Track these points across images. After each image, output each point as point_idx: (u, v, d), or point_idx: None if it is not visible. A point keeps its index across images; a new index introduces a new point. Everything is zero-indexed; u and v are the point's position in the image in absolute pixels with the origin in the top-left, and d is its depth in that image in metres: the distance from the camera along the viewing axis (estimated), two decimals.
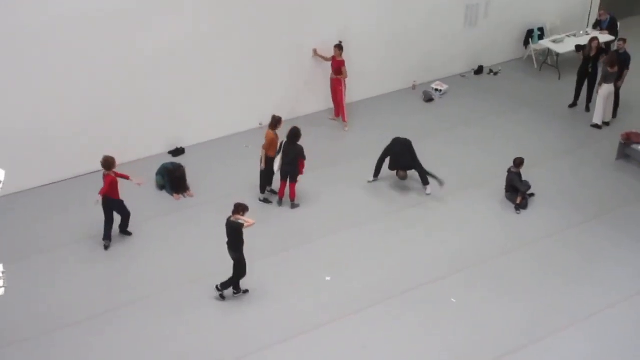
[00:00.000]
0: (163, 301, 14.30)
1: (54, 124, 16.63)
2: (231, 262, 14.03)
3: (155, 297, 14.37)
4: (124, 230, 15.69)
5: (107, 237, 15.40)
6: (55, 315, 13.92)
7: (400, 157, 17.10)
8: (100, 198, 14.88)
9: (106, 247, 15.37)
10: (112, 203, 15.14)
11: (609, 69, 19.12)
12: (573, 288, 14.77)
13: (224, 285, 14.18)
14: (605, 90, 19.38)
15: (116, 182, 14.95)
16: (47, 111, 16.46)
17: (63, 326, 13.69)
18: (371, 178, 17.52)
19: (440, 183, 16.99)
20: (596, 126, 19.72)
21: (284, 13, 18.45)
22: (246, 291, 14.39)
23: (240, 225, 13.63)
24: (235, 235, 13.75)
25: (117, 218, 15.50)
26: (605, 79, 19.31)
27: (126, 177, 15.20)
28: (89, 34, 16.26)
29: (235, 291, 14.32)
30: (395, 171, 17.27)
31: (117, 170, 14.97)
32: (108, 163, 14.78)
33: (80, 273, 14.94)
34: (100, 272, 15.01)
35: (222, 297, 14.26)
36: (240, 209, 13.68)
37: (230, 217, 13.71)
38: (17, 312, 13.90)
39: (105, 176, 14.85)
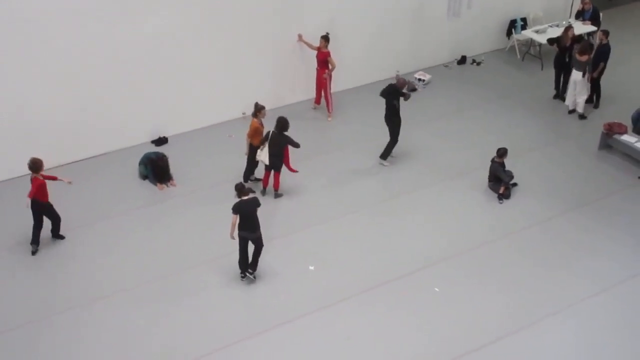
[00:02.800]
0: (145, 292, 14.25)
1: (36, 113, 16.55)
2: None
3: (139, 289, 14.32)
4: (56, 234, 15.32)
5: (35, 241, 15.01)
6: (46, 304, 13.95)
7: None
8: (29, 202, 14.46)
9: (33, 252, 15.00)
10: (41, 206, 14.73)
11: (577, 56, 19.10)
12: (555, 277, 14.82)
13: (254, 266, 14.33)
14: (572, 77, 19.40)
15: (44, 185, 14.57)
16: (28, 101, 16.37)
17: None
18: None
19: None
20: (572, 111, 19.87)
21: (268, 2, 18.37)
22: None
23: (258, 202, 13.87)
24: (255, 214, 13.83)
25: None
26: (575, 66, 19.30)
27: (54, 179, 14.82)
28: (73, 24, 16.19)
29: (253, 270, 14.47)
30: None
31: (44, 172, 14.66)
32: (36, 165, 14.35)
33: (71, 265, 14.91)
34: (80, 265, 14.95)
35: (254, 277, 14.44)
36: (244, 189, 13.81)
37: (243, 199, 13.72)
38: None
39: (32, 179, 14.41)
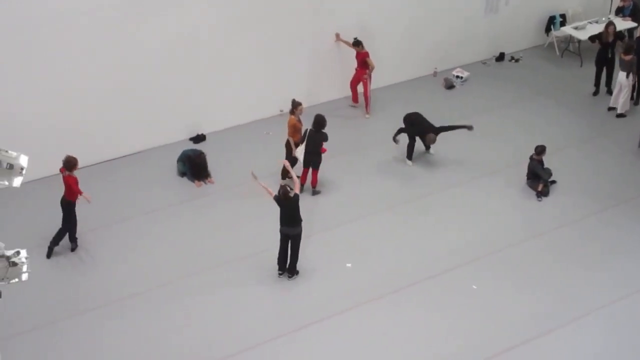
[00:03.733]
0: (180, 288, 14.37)
1: (74, 111, 16.66)
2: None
3: (173, 284, 14.44)
4: (57, 242, 15.00)
5: (73, 239, 15.11)
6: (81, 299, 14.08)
7: (421, 121, 17.41)
8: (89, 196, 14.55)
9: (73, 249, 15.12)
10: (72, 205, 14.68)
11: (622, 55, 18.87)
12: (591, 278, 14.74)
13: (292, 271, 14.42)
14: (619, 78, 19.15)
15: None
16: (71, 100, 16.50)
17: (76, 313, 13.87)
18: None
19: (469, 128, 17.45)
20: (611, 109, 19.65)
21: (307, 2, 18.40)
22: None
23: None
24: (298, 209, 13.91)
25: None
26: (620, 66, 19.07)
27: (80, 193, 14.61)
28: (109, 21, 16.28)
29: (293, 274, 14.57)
30: (423, 139, 17.45)
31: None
32: (71, 163, 14.27)
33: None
34: (115, 260, 15.08)
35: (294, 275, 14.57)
36: (288, 194, 13.82)
37: (287, 193, 13.77)
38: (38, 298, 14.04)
39: (66, 177, 14.33)
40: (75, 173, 14.43)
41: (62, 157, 14.37)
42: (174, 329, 13.52)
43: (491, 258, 15.07)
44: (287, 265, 14.41)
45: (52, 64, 16.05)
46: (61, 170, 14.44)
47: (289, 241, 14.19)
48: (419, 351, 13.15)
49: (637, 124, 18.75)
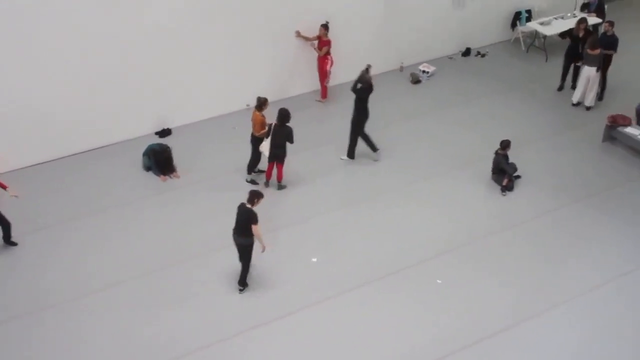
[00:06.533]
0: (144, 284, 14.19)
1: (41, 104, 16.46)
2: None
3: (137, 280, 14.26)
4: (8, 240, 14.78)
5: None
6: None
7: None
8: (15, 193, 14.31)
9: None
10: None
11: (589, 50, 18.88)
12: (559, 269, 14.74)
13: (242, 283, 14.00)
14: (585, 72, 19.18)
15: None
16: (34, 91, 16.27)
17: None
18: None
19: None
20: (574, 105, 19.72)
21: None
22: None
23: (255, 219, 13.21)
24: (246, 224, 13.30)
25: None
26: (587, 62, 19.06)
27: (4, 187, 14.35)
28: (76, 16, 16.05)
29: (241, 287, 14.12)
30: None
31: None
32: None
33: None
34: (79, 255, 14.87)
35: (244, 288, 14.04)
36: (255, 196, 13.25)
37: (245, 204, 13.29)
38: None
39: None
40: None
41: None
42: (139, 323, 13.35)
43: (460, 251, 15.03)
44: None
45: (15, 57, 15.80)
46: None
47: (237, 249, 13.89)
48: (389, 343, 13.10)
49: (600, 118, 18.74)
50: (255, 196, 13.23)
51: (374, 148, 17.40)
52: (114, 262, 14.64)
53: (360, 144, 17.37)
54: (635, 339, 13.24)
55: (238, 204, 13.51)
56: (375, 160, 17.46)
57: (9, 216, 14.66)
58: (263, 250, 13.62)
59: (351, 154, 17.47)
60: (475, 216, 16.05)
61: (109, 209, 15.89)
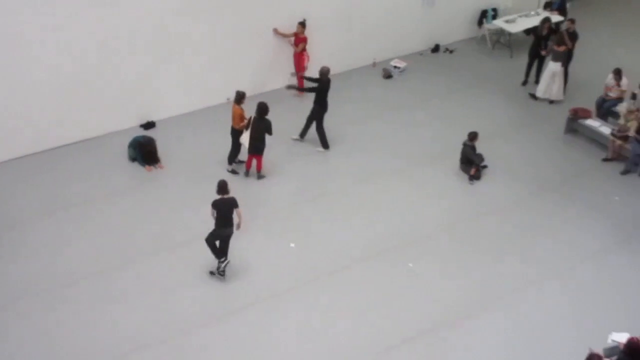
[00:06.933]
0: (135, 270, 14.33)
1: (27, 97, 16.53)
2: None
3: (129, 266, 14.39)
4: None
5: None
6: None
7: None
8: None
9: None
10: None
11: (555, 47, 19.43)
12: (528, 250, 15.14)
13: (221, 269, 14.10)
14: (551, 68, 19.68)
15: None
16: (19, 85, 16.34)
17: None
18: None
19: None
20: (532, 95, 20.15)
21: None
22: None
23: (237, 203, 13.64)
24: (231, 212, 13.66)
25: None
26: (553, 57, 19.60)
27: None
28: (61, 8, 16.15)
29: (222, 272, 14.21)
30: None
31: None
32: None
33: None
34: (77, 240, 14.97)
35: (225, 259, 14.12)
36: (226, 185, 13.57)
37: (223, 197, 13.56)
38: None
39: None
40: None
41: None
42: (122, 311, 13.44)
43: (428, 239, 15.30)
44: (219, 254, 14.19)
45: (1, 49, 15.91)
46: None
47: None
48: (352, 327, 13.33)
49: (563, 111, 19.13)
50: (226, 184, 13.54)
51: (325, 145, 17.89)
52: (98, 250, 14.68)
53: (313, 133, 17.79)
54: (579, 326, 13.48)
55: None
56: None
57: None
58: (239, 228, 13.89)
59: (325, 144, 17.85)
60: (444, 205, 16.30)
61: (96, 199, 15.96)
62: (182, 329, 13.14)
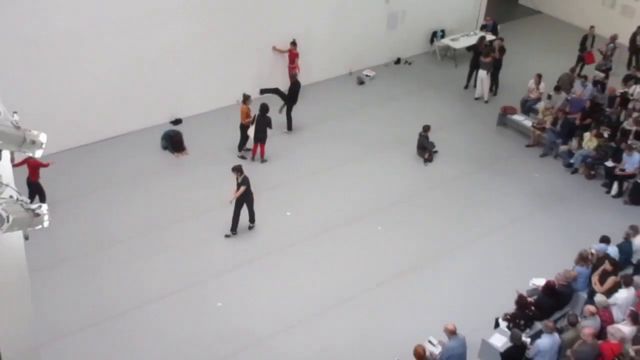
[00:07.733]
0: (168, 233, 14.30)
1: (83, 100, 16.30)
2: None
3: (163, 232, 14.33)
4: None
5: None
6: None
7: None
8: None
9: None
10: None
11: (482, 58, 19.33)
12: (472, 216, 15.23)
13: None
14: (480, 75, 19.60)
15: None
16: (77, 90, 16.10)
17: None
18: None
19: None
20: (476, 99, 20.03)
21: (257, 20, 18.30)
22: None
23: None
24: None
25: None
26: (481, 66, 19.48)
27: (46, 165, 13.79)
28: (108, 30, 15.99)
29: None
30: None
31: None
32: None
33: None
34: (119, 211, 14.86)
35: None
36: (242, 169, 13.79)
37: (246, 175, 13.75)
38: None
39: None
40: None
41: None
42: (152, 267, 13.42)
43: (391, 208, 15.27)
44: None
45: (59, 63, 15.64)
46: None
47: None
48: (329, 278, 13.48)
49: (495, 108, 19.03)
50: (240, 170, 13.82)
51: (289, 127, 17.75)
52: (137, 218, 14.64)
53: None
54: (532, 257, 13.84)
55: (231, 173, 13.84)
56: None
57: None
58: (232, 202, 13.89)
59: (290, 126, 17.74)
60: (405, 181, 16.30)
61: (137, 178, 15.86)
62: (207, 274, 13.27)
